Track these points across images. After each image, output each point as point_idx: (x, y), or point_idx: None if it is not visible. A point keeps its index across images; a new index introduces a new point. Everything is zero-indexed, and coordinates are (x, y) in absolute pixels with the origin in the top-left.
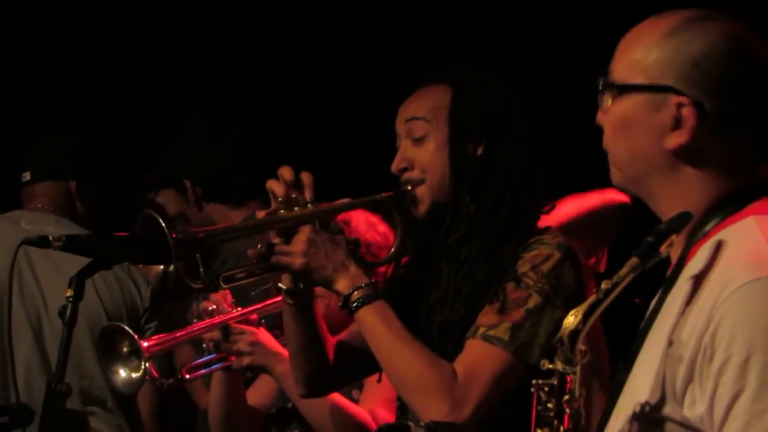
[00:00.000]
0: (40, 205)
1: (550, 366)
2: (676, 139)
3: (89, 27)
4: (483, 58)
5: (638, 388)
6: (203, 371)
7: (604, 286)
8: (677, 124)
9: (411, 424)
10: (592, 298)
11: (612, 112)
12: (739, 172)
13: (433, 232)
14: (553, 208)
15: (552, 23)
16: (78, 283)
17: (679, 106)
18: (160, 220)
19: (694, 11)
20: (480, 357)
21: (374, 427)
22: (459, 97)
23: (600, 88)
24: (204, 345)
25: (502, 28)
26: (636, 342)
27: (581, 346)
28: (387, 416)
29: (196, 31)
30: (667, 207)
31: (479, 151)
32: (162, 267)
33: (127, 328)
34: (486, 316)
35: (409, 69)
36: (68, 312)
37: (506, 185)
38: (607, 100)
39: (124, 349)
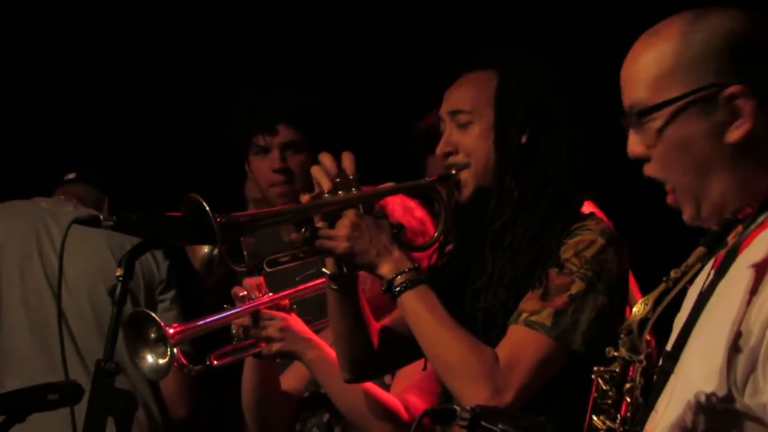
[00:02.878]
0: (63, 197)
1: (615, 353)
2: (739, 130)
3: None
4: (530, 47)
5: (695, 378)
6: (232, 357)
7: (673, 275)
8: (735, 115)
9: (457, 408)
10: (661, 287)
11: (666, 136)
12: None
13: (477, 217)
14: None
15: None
16: (128, 262)
17: (731, 97)
18: (205, 204)
19: (687, 13)
20: (522, 342)
21: (405, 414)
22: (505, 84)
23: (630, 120)
24: (233, 331)
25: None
26: (683, 331)
27: (647, 335)
28: (418, 403)
29: (217, 28)
30: (724, 198)
31: (524, 138)
32: (206, 250)
33: (153, 315)
34: (529, 302)
35: (449, 54)
36: (118, 291)
37: (550, 172)
38: (652, 127)
39: (152, 335)
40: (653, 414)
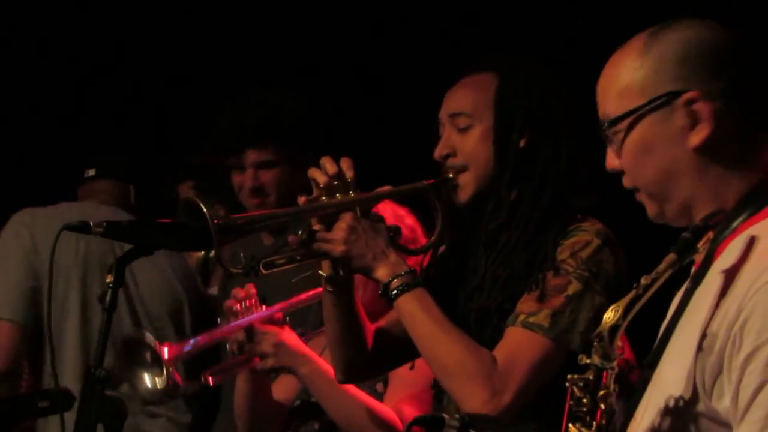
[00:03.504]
0: (107, 201)
1: (588, 361)
2: (699, 134)
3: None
4: (530, 50)
5: (669, 383)
6: (228, 374)
7: (643, 281)
8: (694, 120)
9: (446, 416)
10: (632, 294)
11: (627, 144)
12: (760, 162)
13: (474, 221)
14: (595, 200)
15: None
16: (118, 269)
17: (689, 102)
18: (203, 206)
19: (651, 28)
20: (520, 344)
21: (399, 424)
22: (505, 87)
23: (604, 133)
24: (228, 347)
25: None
26: (662, 339)
27: (619, 342)
28: (412, 412)
29: (224, 28)
30: (691, 204)
31: (523, 142)
32: (203, 253)
33: (148, 336)
34: (526, 304)
35: (452, 56)
36: (108, 297)
37: (548, 175)
38: (618, 138)
39: (147, 357)
40: (632, 422)
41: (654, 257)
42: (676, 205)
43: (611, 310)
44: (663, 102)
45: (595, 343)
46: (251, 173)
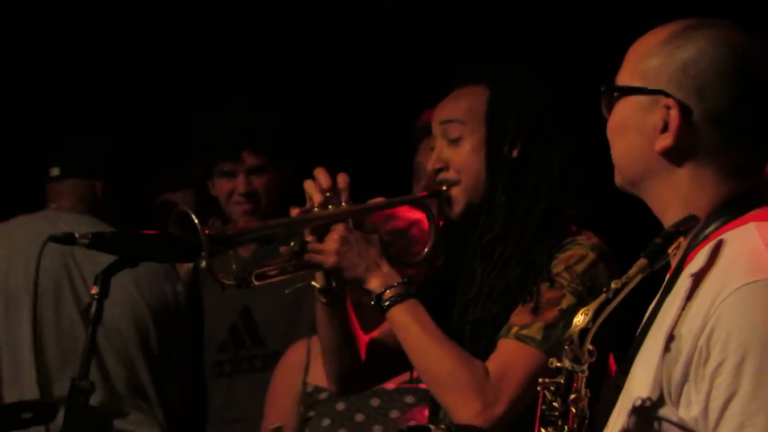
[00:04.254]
0: (69, 205)
1: (558, 364)
2: (663, 142)
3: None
4: (523, 59)
5: (637, 388)
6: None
7: (614, 285)
8: (665, 126)
9: (432, 426)
10: (601, 297)
11: (612, 114)
12: (741, 177)
13: (468, 233)
14: (588, 211)
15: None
16: (104, 280)
17: (668, 108)
18: (194, 217)
19: (694, 19)
20: (512, 356)
21: None
22: (496, 98)
23: (605, 96)
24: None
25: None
26: (634, 345)
27: (589, 345)
28: None
29: (218, 29)
30: (665, 209)
31: (515, 153)
32: (193, 263)
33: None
34: (519, 316)
35: (442, 68)
36: (93, 309)
37: (541, 186)
38: (609, 104)
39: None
40: (605, 430)
41: None
42: (642, 193)
43: (581, 314)
44: (651, 95)
45: (566, 347)
46: (243, 179)
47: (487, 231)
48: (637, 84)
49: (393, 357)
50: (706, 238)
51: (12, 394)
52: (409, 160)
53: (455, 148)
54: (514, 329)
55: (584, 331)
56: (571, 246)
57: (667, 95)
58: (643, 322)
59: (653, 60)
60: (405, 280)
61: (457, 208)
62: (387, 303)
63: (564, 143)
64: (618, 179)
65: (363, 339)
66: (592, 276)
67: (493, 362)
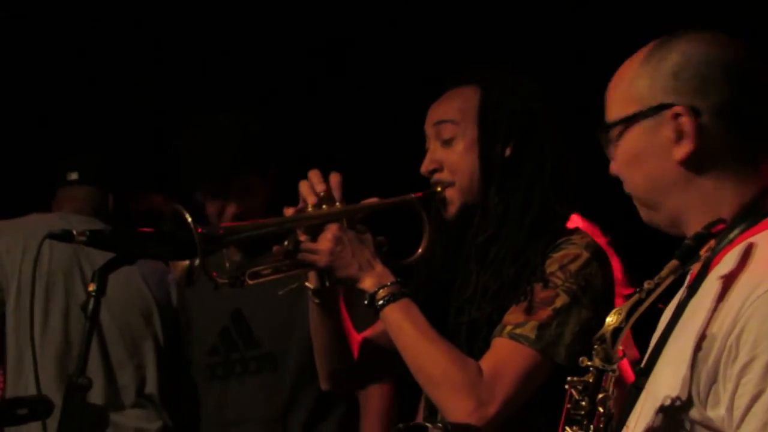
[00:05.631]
0: (84, 210)
1: (589, 363)
2: (683, 149)
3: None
4: (515, 60)
5: (663, 391)
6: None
7: (646, 285)
8: (679, 134)
9: (429, 425)
10: (634, 298)
11: (619, 151)
12: (757, 175)
13: (462, 234)
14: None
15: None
16: (101, 277)
17: (675, 116)
18: (187, 216)
19: (663, 36)
20: (506, 355)
21: None
22: (488, 98)
23: (603, 138)
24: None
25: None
26: (656, 347)
27: (620, 346)
28: None
29: (213, 32)
30: (687, 219)
31: (507, 152)
32: (187, 262)
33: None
34: (513, 315)
35: (437, 69)
36: (90, 306)
37: (534, 186)
38: (612, 143)
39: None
40: (624, 430)
41: (649, 262)
42: (664, 215)
43: (614, 314)
44: (653, 113)
45: (597, 346)
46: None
47: (482, 231)
48: (633, 110)
49: (386, 356)
50: (731, 242)
51: (17, 385)
52: (405, 160)
53: (448, 148)
54: (508, 328)
55: (617, 330)
56: (565, 245)
57: (669, 106)
58: (665, 325)
59: (640, 81)
60: (398, 279)
61: (452, 209)
62: (380, 302)
63: (556, 143)
64: (645, 215)
65: (356, 338)
66: (585, 275)
67: (487, 361)
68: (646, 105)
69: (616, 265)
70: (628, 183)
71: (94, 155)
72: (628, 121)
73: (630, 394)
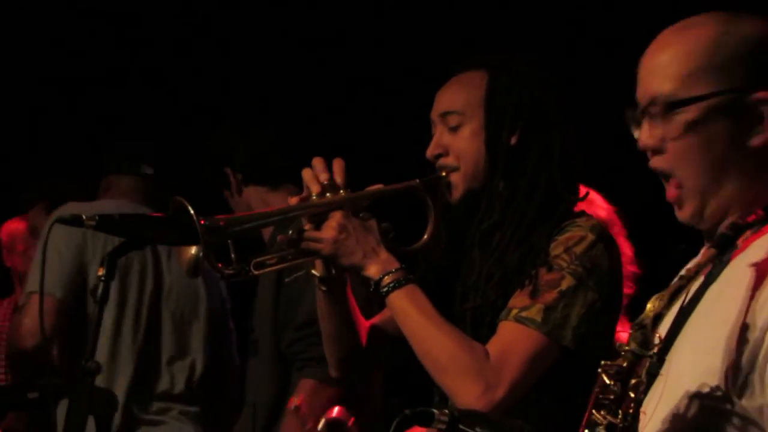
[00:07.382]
0: (149, 202)
1: (626, 348)
2: (761, 137)
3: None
4: (525, 45)
5: (687, 378)
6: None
7: (685, 273)
8: (759, 121)
9: (435, 411)
10: (675, 284)
11: (685, 130)
12: None
13: (467, 219)
14: (587, 195)
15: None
16: (110, 262)
17: (758, 103)
18: (189, 207)
19: (719, 14)
20: (513, 338)
21: None
22: (495, 84)
23: (647, 112)
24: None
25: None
26: (669, 334)
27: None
28: None
29: (224, 30)
30: (734, 210)
31: (514, 138)
32: (193, 252)
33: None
34: (518, 299)
35: (443, 55)
36: (100, 290)
37: (540, 172)
38: (677, 121)
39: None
40: (642, 417)
41: (657, 246)
42: (716, 206)
43: (655, 299)
44: (735, 97)
45: (634, 331)
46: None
47: (486, 217)
48: (702, 91)
49: (393, 342)
50: (758, 232)
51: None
52: (409, 149)
53: (454, 134)
54: (514, 311)
55: (659, 316)
56: (570, 228)
57: (753, 90)
58: (679, 311)
59: (716, 59)
60: (403, 266)
61: (457, 193)
62: (386, 289)
63: (563, 129)
64: (689, 211)
65: (363, 325)
66: (591, 257)
67: (494, 345)
68: (723, 87)
69: (624, 242)
70: (681, 164)
71: (162, 157)
72: (704, 100)
73: (642, 379)
